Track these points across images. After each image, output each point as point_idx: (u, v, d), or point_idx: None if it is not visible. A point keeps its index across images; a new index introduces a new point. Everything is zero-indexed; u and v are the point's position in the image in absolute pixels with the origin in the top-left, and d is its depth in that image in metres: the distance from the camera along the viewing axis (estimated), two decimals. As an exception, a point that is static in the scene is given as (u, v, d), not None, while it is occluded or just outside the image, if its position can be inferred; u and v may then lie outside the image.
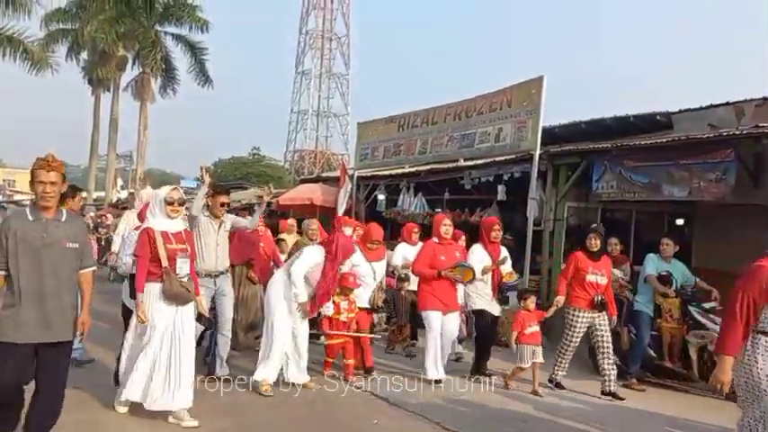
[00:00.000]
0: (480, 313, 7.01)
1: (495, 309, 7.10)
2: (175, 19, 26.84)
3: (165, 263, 4.77)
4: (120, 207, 23.12)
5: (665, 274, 7.10)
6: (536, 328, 6.52)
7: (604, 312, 6.52)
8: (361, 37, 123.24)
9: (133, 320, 4.95)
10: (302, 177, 26.39)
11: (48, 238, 3.78)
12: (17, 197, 49.39)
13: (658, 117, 10.69)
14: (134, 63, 28.34)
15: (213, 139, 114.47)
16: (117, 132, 29.25)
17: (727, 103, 9.94)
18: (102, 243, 14.43)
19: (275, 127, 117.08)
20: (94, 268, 4.16)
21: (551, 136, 11.36)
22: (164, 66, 26.98)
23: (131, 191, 32.80)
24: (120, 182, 39.76)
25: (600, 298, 6.44)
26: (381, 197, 13.93)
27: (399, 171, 13.46)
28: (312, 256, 5.99)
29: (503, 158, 10.70)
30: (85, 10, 26.11)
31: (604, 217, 10.55)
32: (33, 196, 3.88)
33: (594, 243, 6.55)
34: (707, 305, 6.95)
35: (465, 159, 11.67)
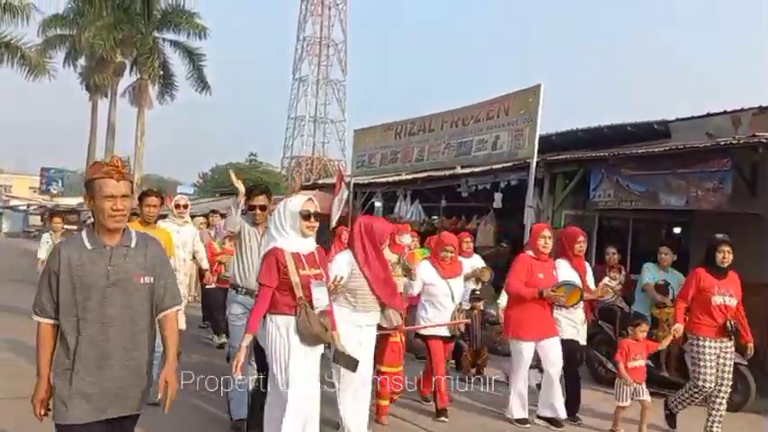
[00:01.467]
0: (567, 344, 5.74)
1: (582, 336, 5.93)
2: (174, 25, 26.82)
3: (299, 293, 3.81)
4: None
5: (662, 283, 7.08)
6: (642, 361, 5.59)
7: (732, 340, 5.45)
8: (359, 43, 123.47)
9: (273, 367, 3.87)
10: (301, 184, 26.39)
11: (115, 274, 2.71)
12: (13, 202, 49.38)
13: (656, 125, 10.71)
14: (132, 69, 28.30)
15: (211, 145, 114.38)
16: (114, 138, 29.20)
17: (725, 112, 9.96)
18: None
19: (272, 133, 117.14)
20: (180, 307, 3.08)
21: (548, 144, 11.37)
22: (161, 72, 26.94)
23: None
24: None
25: (731, 323, 5.35)
26: (378, 204, 13.92)
27: (396, 178, 13.45)
28: (340, 265, 4.61)
29: (500, 166, 10.69)
30: (83, 16, 26.11)
31: (601, 225, 10.53)
32: (95, 216, 2.78)
33: (726, 257, 5.41)
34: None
35: (462, 167, 11.67)
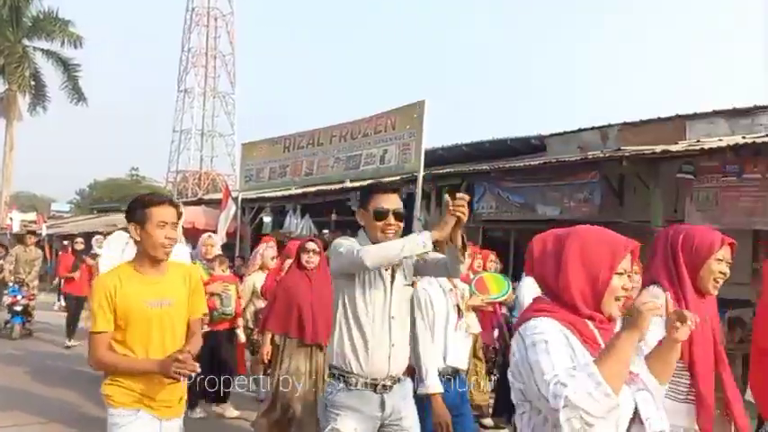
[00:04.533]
0: None
1: None
2: (46, 34, 25.35)
3: None
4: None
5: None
6: None
7: None
8: (250, 56, 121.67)
9: None
10: (182, 200, 25.58)
11: None
12: None
13: (533, 140, 11.31)
14: (-2, 79, 26.45)
15: (89, 160, 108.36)
16: (-22, 153, 27.07)
17: (594, 128, 10.68)
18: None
19: (156, 147, 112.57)
20: None
21: (436, 158, 11.70)
22: (33, 82, 25.37)
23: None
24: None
25: None
26: (267, 219, 13.73)
27: (286, 193, 13.34)
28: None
29: (388, 180, 10.86)
30: (-59, 21, 24.15)
31: (485, 236, 10.94)
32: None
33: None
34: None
35: (351, 181, 11.76)
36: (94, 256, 10.20)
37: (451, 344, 3.44)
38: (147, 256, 2.70)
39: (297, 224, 12.82)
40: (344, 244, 2.77)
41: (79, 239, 11.33)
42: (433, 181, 10.21)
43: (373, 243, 2.77)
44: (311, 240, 4.92)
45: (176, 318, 2.75)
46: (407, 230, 9.50)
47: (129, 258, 2.79)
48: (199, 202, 17.89)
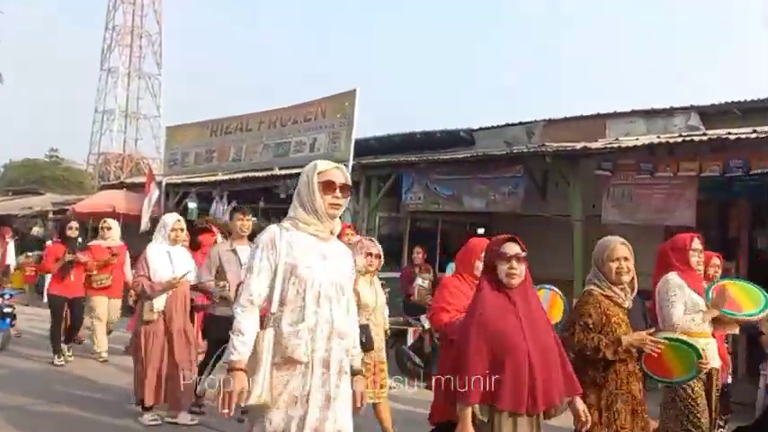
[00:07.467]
0: None
1: None
2: (-45, 2, 23.85)
3: None
4: None
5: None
6: None
7: None
8: (178, 36, 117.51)
9: None
10: (103, 183, 24.62)
11: None
12: None
13: (462, 133, 11.48)
14: None
15: (4, 139, 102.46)
16: None
17: (520, 123, 10.96)
18: None
19: (76, 127, 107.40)
20: None
21: (367, 148, 11.70)
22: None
23: None
24: None
25: None
26: (192, 205, 13.38)
27: (212, 179, 13.06)
28: None
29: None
30: None
31: (414, 226, 11.06)
32: None
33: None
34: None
35: (280, 168, 11.64)
36: (68, 243, 7.47)
37: None
38: None
39: (223, 211, 12.56)
40: None
41: (73, 224, 7.72)
42: (362, 170, 10.22)
43: None
44: (513, 239, 2.88)
45: None
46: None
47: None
48: (121, 186, 17.25)
